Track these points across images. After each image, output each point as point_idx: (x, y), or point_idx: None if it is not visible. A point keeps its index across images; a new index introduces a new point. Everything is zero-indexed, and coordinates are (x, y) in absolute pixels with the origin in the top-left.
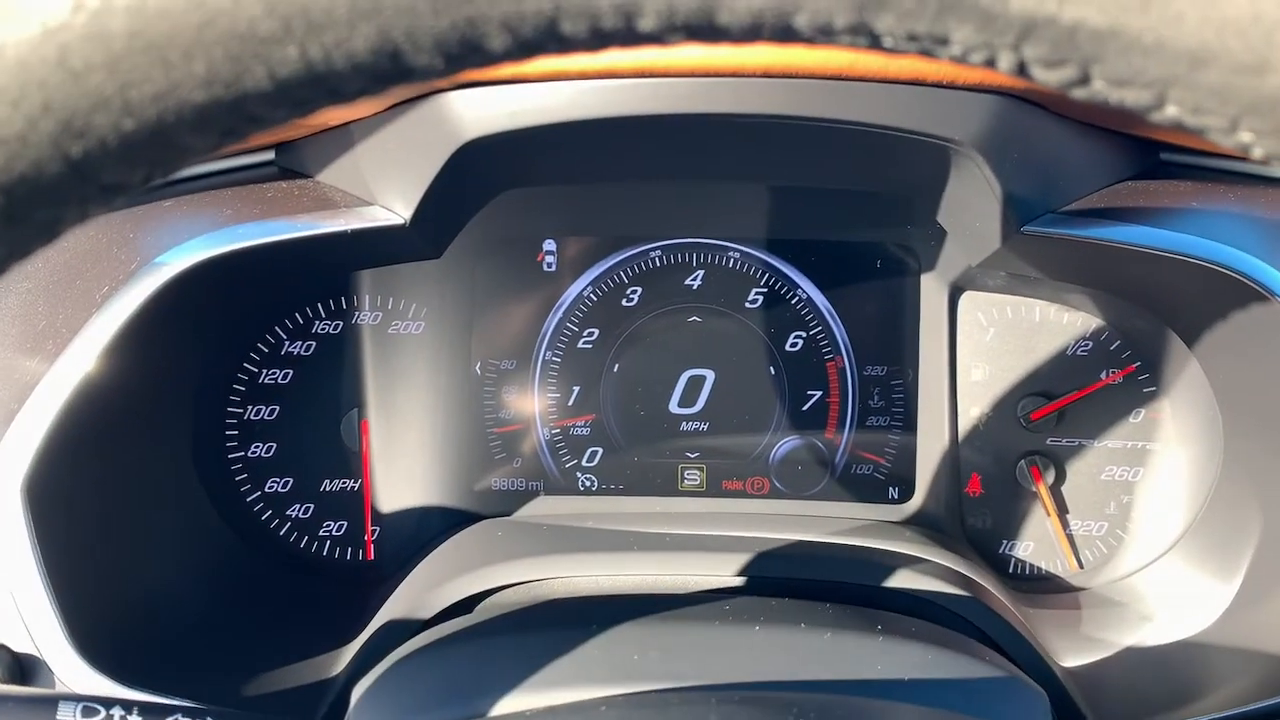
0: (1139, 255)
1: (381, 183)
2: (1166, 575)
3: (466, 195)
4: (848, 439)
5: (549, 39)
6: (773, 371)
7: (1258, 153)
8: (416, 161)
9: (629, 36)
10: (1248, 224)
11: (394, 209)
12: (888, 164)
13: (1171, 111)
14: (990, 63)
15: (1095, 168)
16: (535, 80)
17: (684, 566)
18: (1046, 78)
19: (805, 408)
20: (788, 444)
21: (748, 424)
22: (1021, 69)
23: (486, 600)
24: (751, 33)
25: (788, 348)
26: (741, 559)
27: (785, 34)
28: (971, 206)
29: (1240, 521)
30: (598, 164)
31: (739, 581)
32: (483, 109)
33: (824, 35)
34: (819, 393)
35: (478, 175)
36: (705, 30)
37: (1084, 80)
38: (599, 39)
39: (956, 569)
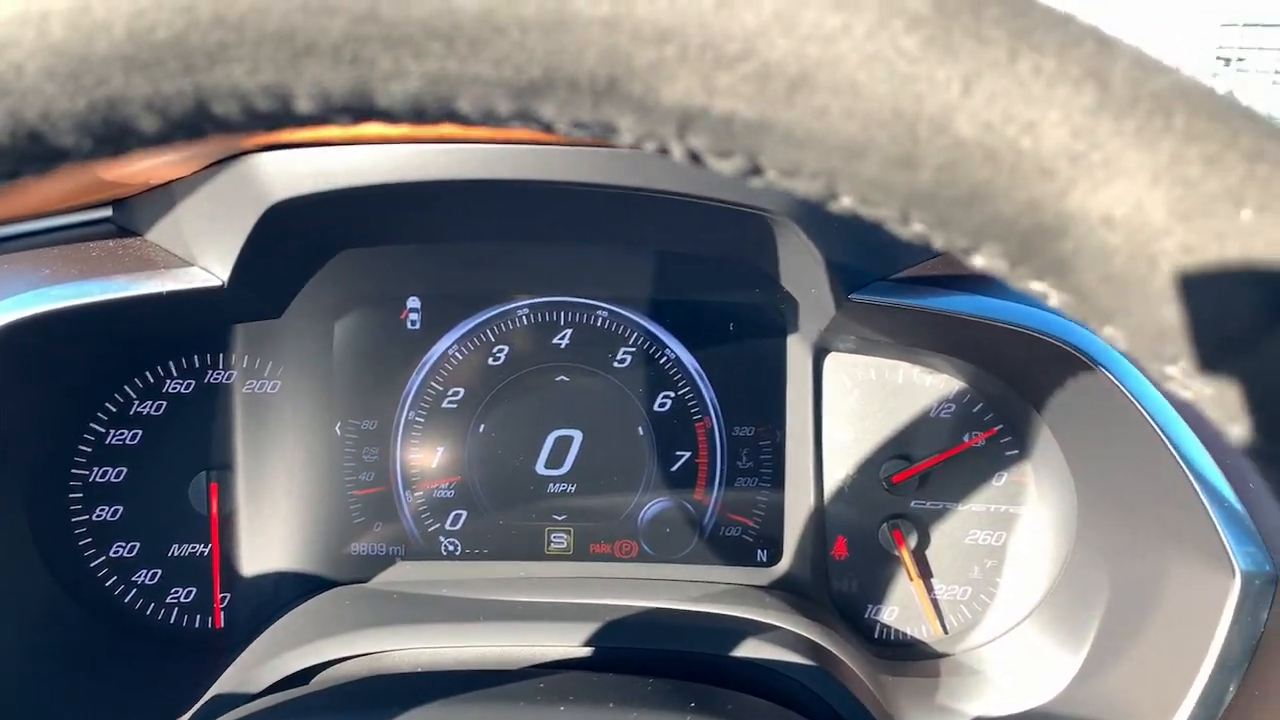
0: (972, 324)
1: (200, 243)
2: (1021, 643)
3: (291, 255)
4: (716, 500)
5: (204, 120)
6: (641, 432)
7: (937, 243)
8: (229, 222)
9: (290, 118)
10: None
11: (212, 270)
12: (716, 231)
13: (846, 202)
14: (664, 151)
15: None
16: (340, 144)
17: (529, 638)
18: (721, 167)
19: (674, 468)
20: (656, 506)
21: (616, 485)
22: (695, 158)
23: (322, 673)
24: (416, 116)
25: (656, 408)
26: (592, 628)
27: (452, 118)
28: (805, 273)
29: (1090, 590)
30: (425, 225)
31: (586, 652)
32: (290, 170)
33: (492, 120)
34: (688, 453)
35: (300, 236)
36: (368, 113)
37: (757, 170)
38: (260, 120)
39: (811, 637)
